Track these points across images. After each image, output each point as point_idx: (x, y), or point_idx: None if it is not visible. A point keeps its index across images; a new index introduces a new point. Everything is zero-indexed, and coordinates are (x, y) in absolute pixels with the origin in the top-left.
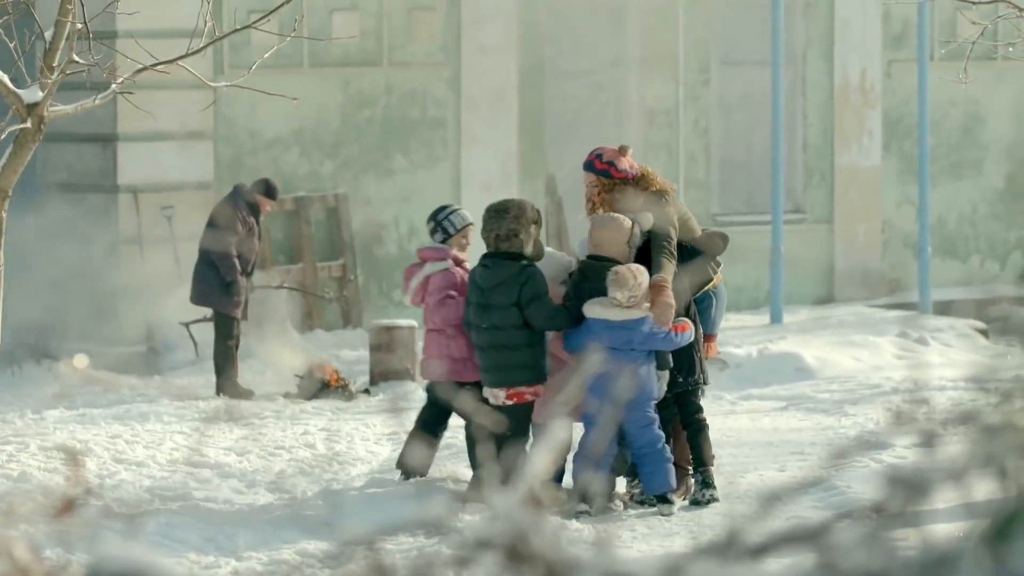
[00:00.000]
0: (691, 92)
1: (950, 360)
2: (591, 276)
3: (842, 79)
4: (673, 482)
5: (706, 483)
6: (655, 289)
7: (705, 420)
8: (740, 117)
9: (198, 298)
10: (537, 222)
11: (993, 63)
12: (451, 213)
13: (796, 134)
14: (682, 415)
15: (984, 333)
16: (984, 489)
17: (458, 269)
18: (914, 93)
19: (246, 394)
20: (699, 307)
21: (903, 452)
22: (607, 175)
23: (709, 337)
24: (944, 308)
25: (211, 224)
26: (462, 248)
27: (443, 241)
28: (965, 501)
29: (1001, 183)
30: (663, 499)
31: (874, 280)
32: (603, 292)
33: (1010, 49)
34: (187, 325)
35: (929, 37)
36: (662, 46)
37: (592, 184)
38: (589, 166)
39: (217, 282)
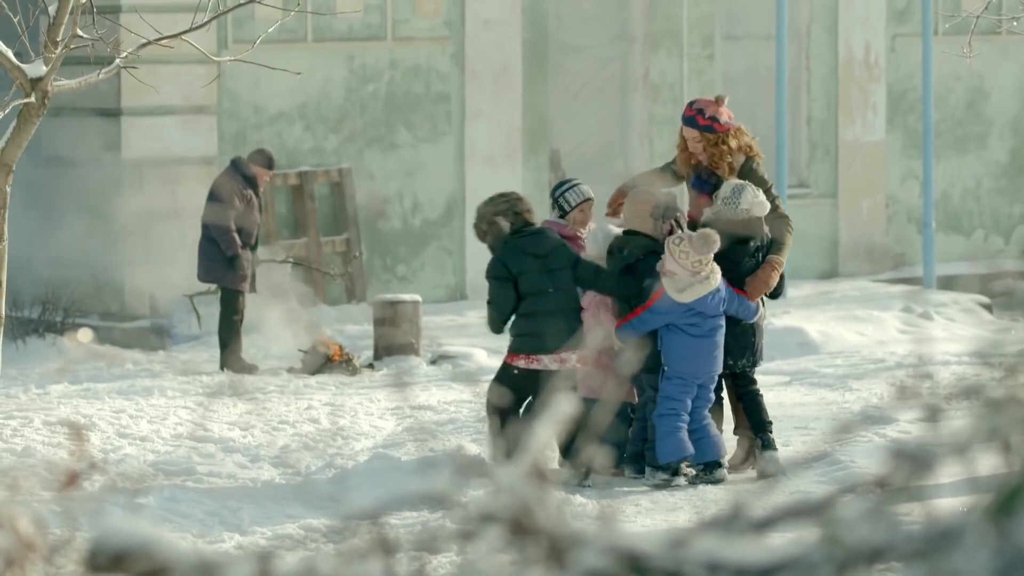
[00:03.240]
0: (695, 66)
1: (954, 335)
2: (614, 249)
3: (846, 53)
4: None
5: (767, 444)
6: (768, 265)
7: (759, 389)
8: (744, 91)
9: (204, 274)
10: (501, 212)
11: (997, 37)
12: (567, 190)
13: (800, 108)
14: (739, 387)
15: (988, 307)
16: (988, 463)
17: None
18: (918, 67)
19: (250, 368)
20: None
21: (907, 427)
22: (711, 130)
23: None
24: (948, 283)
25: (210, 198)
26: (581, 224)
27: (560, 218)
28: (969, 475)
29: (1005, 157)
30: (715, 465)
31: (878, 255)
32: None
33: (1014, 23)
34: (191, 297)
35: (933, 11)
36: (666, 20)
37: (695, 140)
38: (691, 121)
39: (221, 257)
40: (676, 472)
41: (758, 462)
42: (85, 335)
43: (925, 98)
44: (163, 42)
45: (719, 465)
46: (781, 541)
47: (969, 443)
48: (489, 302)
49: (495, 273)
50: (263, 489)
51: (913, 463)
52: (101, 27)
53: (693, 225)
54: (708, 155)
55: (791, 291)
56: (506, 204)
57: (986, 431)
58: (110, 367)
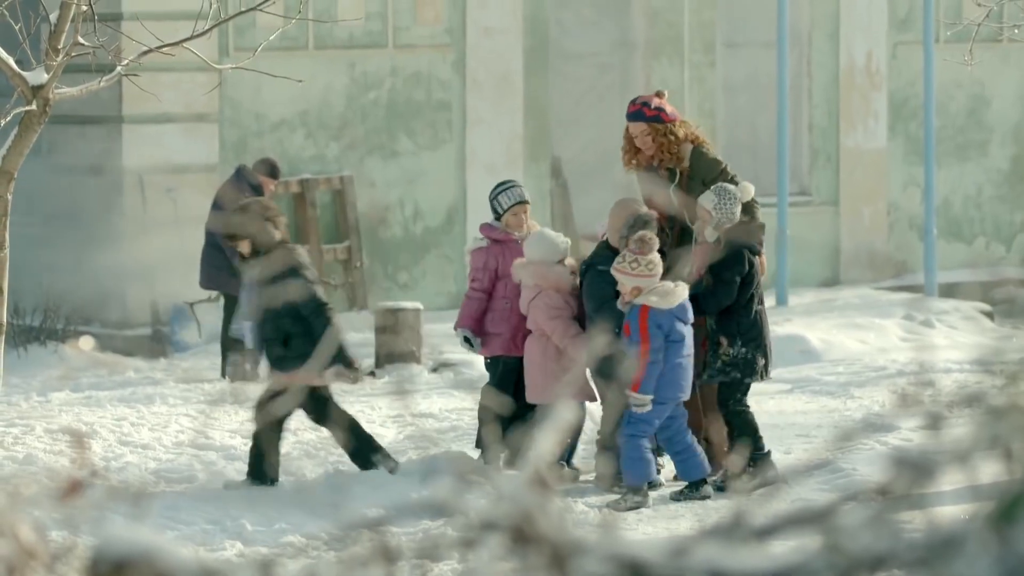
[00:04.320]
0: (696, 74)
1: (955, 342)
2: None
3: (848, 61)
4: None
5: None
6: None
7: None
8: (745, 99)
9: (207, 282)
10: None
11: (999, 45)
12: (501, 192)
13: (801, 116)
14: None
15: (989, 315)
16: (990, 471)
17: (495, 247)
18: (920, 75)
19: (252, 376)
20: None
21: (909, 434)
22: (659, 120)
23: None
24: (950, 290)
25: (216, 206)
26: (515, 227)
27: (496, 220)
28: (971, 483)
29: (1007, 165)
30: (701, 482)
31: (880, 262)
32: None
33: (1015, 31)
34: (191, 305)
35: (934, 19)
36: (667, 27)
37: (645, 133)
38: (637, 115)
39: (224, 264)
40: (645, 494)
41: (757, 470)
42: (87, 343)
43: (926, 105)
44: (164, 50)
45: (704, 482)
46: (783, 549)
47: (971, 451)
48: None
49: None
50: (265, 496)
51: (915, 471)
52: (102, 35)
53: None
54: (657, 146)
55: (793, 299)
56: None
57: (988, 439)
58: (111, 375)
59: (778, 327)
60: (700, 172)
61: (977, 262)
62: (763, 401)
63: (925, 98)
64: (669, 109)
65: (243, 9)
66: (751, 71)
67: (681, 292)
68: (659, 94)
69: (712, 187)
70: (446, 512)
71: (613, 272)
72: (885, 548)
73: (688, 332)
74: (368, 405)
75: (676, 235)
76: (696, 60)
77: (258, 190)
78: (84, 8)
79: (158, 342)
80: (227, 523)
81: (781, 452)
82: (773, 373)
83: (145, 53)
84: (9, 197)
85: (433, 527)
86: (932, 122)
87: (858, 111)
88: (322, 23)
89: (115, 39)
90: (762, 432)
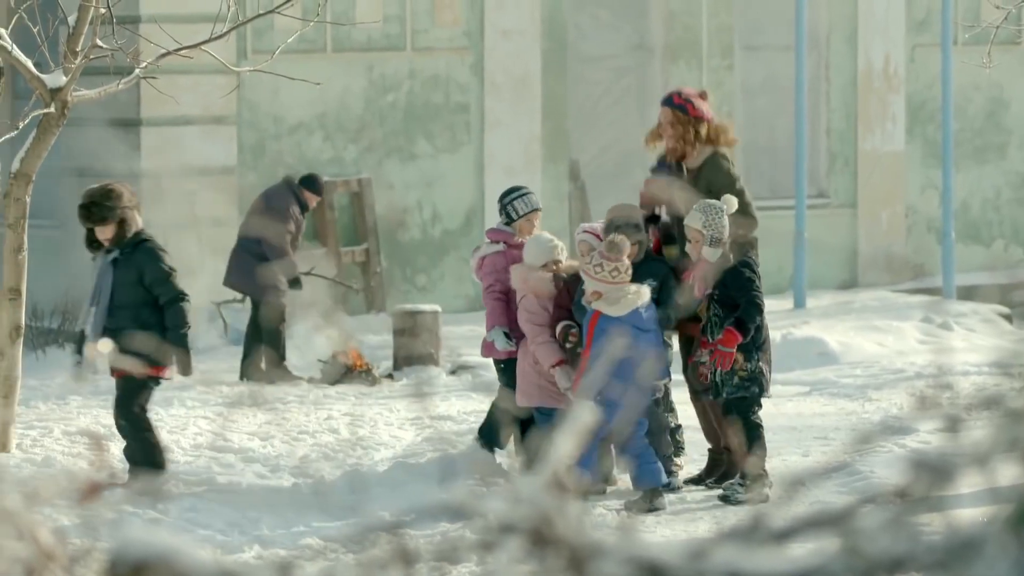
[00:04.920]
0: (714, 77)
1: (974, 345)
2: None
3: (865, 64)
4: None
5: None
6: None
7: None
8: (763, 102)
9: (239, 283)
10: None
11: (1017, 47)
12: (517, 198)
13: (820, 119)
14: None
15: (1008, 318)
16: (1008, 474)
17: (513, 252)
18: (937, 78)
19: (292, 378)
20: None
21: (927, 437)
22: (683, 110)
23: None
24: (968, 293)
25: (266, 213)
26: (527, 232)
27: (507, 224)
28: (989, 486)
29: None
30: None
31: (898, 265)
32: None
33: None
34: (218, 305)
35: (952, 22)
36: (685, 31)
37: (668, 120)
38: (667, 100)
39: (253, 268)
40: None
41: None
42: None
43: (944, 108)
44: (182, 52)
45: (659, 492)
46: (801, 551)
47: (989, 453)
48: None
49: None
50: (283, 499)
51: (933, 473)
52: (121, 37)
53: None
54: (675, 134)
55: (811, 301)
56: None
57: (1006, 441)
58: None
59: (796, 329)
60: (708, 178)
61: (995, 265)
62: (781, 404)
63: (943, 101)
64: (699, 105)
65: (261, 12)
66: (769, 74)
67: (633, 300)
68: (701, 94)
69: (696, 206)
70: (464, 514)
71: (582, 269)
72: (904, 551)
73: (649, 336)
74: (386, 407)
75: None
76: (714, 63)
77: (304, 207)
78: (102, 11)
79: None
80: (245, 525)
81: (799, 454)
82: (792, 375)
83: (163, 56)
84: (27, 200)
85: (451, 529)
86: (950, 125)
87: (876, 114)
88: (340, 26)
89: (133, 42)
90: (780, 435)
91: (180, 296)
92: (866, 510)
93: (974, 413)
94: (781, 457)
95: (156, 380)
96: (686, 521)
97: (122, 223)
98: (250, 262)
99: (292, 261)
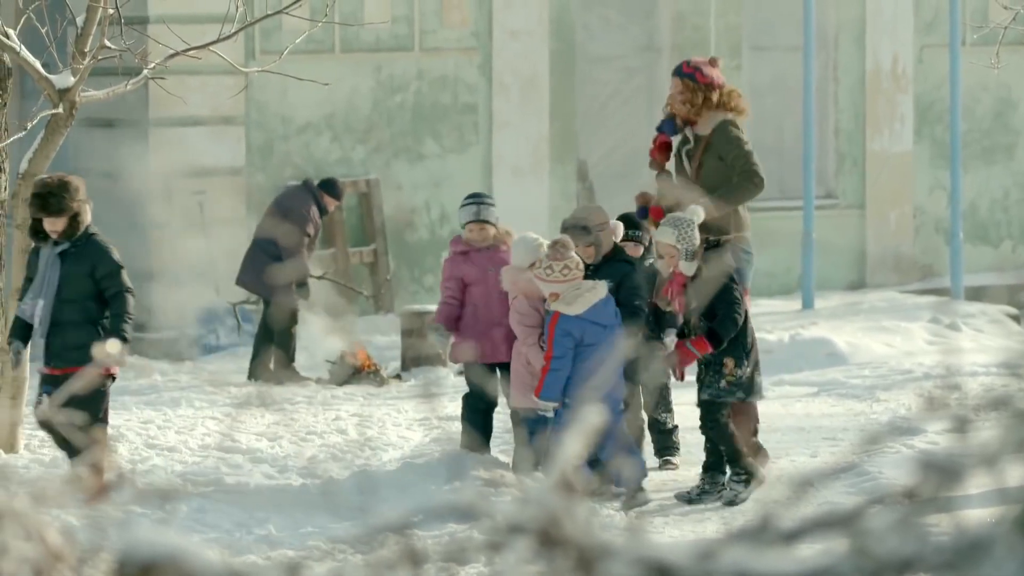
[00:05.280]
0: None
1: (982, 345)
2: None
3: (874, 64)
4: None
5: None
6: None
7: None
8: (771, 102)
9: (253, 283)
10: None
11: None
12: (461, 207)
13: (828, 119)
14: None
15: (1016, 319)
16: (1017, 474)
17: (460, 257)
18: (946, 78)
19: (300, 379)
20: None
21: (935, 438)
22: (692, 78)
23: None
24: (976, 294)
25: (284, 216)
26: (476, 240)
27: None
28: (997, 486)
29: None
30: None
31: (906, 265)
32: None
33: None
34: (235, 305)
35: (961, 22)
36: (693, 31)
37: (678, 90)
38: (676, 71)
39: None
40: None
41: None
42: (113, 346)
43: (953, 109)
44: (191, 53)
45: (642, 488)
46: (810, 552)
47: (998, 454)
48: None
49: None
50: (291, 500)
51: (941, 474)
52: (129, 38)
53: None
54: (683, 100)
55: (819, 302)
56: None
57: (1015, 442)
58: (138, 378)
59: (804, 330)
60: (719, 147)
61: (1004, 265)
62: (790, 404)
63: (951, 101)
64: (709, 72)
65: (269, 12)
66: (777, 75)
67: (590, 297)
68: (712, 60)
69: (664, 220)
70: (473, 515)
71: (534, 275)
72: (912, 551)
73: (611, 332)
74: (394, 408)
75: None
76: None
77: (324, 211)
78: (111, 11)
79: (184, 345)
80: (253, 526)
81: (807, 455)
82: (800, 376)
83: (171, 56)
84: None
85: (460, 530)
86: (958, 125)
87: (884, 114)
88: (348, 26)
89: (141, 42)
90: (789, 435)
91: (128, 289)
92: (874, 511)
93: (982, 414)
94: (789, 458)
95: (112, 378)
96: (694, 522)
97: (75, 216)
98: (264, 262)
99: (304, 264)
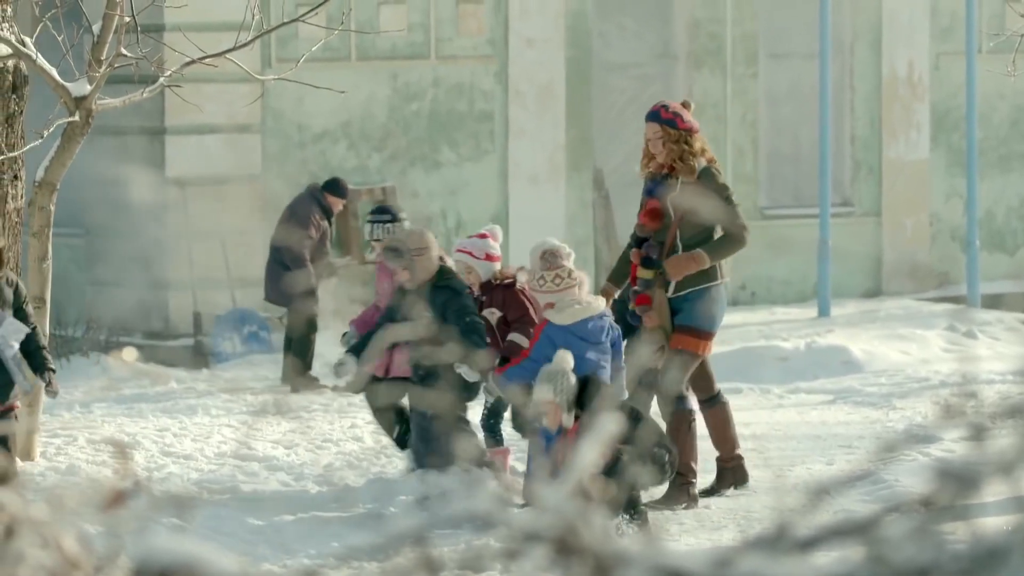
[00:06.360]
0: (739, 85)
1: (998, 353)
2: None
3: (890, 72)
4: None
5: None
6: (693, 255)
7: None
8: (788, 110)
9: (277, 297)
10: None
11: None
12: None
13: (844, 127)
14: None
15: None
16: None
17: (383, 267)
18: (962, 86)
19: (316, 386)
20: (699, 302)
21: (951, 445)
22: (673, 125)
23: (704, 335)
24: (993, 302)
25: (289, 222)
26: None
27: None
28: (1014, 494)
29: None
30: None
31: (922, 273)
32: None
33: None
34: (280, 319)
35: (977, 30)
36: (709, 39)
37: (657, 136)
38: (654, 116)
39: (283, 280)
40: None
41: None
42: (130, 354)
43: (969, 116)
44: (207, 61)
45: None
46: (826, 560)
47: (1014, 462)
48: None
49: None
50: (307, 507)
51: (958, 482)
52: (145, 46)
53: (642, 239)
54: (667, 151)
55: (835, 309)
56: None
57: None
58: (154, 386)
59: (820, 338)
60: (703, 191)
61: (1020, 273)
62: (805, 412)
63: (967, 109)
64: (687, 118)
65: (286, 20)
66: (793, 82)
67: (580, 311)
68: (684, 104)
69: (540, 376)
70: (489, 523)
71: (531, 292)
72: (929, 559)
73: (600, 353)
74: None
75: (669, 248)
76: (738, 71)
77: (328, 212)
78: (127, 19)
79: (200, 353)
80: (270, 533)
81: (823, 463)
82: (816, 383)
83: (188, 64)
84: (52, 208)
85: (476, 538)
86: (975, 133)
87: (900, 122)
88: (364, 34)
89: (158, 50)
90: (805, 443)
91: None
92: (891, 519)
93: (999, 422)
94: (805, 465)
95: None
96: (710, 530)
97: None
98: (279, 272)
99: (309, 271)
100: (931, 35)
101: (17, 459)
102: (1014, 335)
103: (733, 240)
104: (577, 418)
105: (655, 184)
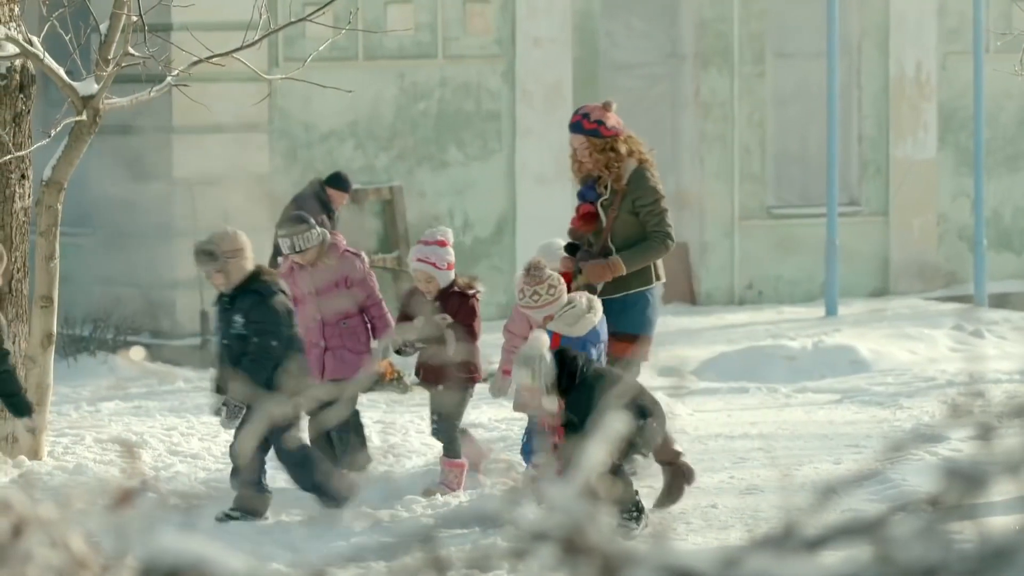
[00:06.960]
0: (746, 84)
1: (1006, 353)
2: None
3: (897, 71)
4: None
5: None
6: (610, 262)
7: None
8: (795, 109)
9: None
10: None
11: None
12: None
13: (851, 126)
14: None
15: None
16: None
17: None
18: (970, 85)
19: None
20: (633, 307)
21: (959, 445)
22: (596, 134)
23: (642, 339)
24: (1000, 301)
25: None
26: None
27: None
28: (1021, 494)
29: None
30: None
31: (929, 273)
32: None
33: None
34: None
35: (984, 29)
36: (717, 38)
37: (583, 146)
38: (576, 127)
39: None
40: None
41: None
42: (137, 353)
43: (976, 116)
44: (214, 60)
45: None
46: (834, 560)
47: (1022, 461)
48: None
49: None
50: (314, 506)
51: (966, 481)
52: (152, 45)
53: (575, 246)
54: (594, 161)
55: (842, 309)
56: None
57: None
58: (161, 385)
59: (827, 337)
60: (635, 195)
61: None
62: (813, 411)
63: (975, 109)
64: (610, 123)
65: (293, 20)
66: (801, 81)
67: (591, 319)
68: (605, 105)
69: (516, 360)
70: (497, 522)
71: (521, 310)
72: (936, 559)
73: (600, 348)
74: (418, 415)
75: (600, 252)
76: (746, 71)
77: (328, 207)
78: (134, 19)
79: (208, 352)
80: (277, 532)
81: (831, 462)
82: (823, 383)
83: (195, 63)
84: (59, 207)
85: (484, 537)
86: (982, 133)
87: (908, 122)
88: (372, 33)
89: (165, 49)
90: (812, 442)
91: (5, 354)
92: (898, 518)
93: (1006, 421)
94: (812, 465)
95: None
96: (717, 529)
97: None
98: (277, 267)
99: None
100: (939, 35)
101: (24, 458)
102: (1021, 334)
103: (652, 248)
104: (563, 394)
105: (587, 188)
